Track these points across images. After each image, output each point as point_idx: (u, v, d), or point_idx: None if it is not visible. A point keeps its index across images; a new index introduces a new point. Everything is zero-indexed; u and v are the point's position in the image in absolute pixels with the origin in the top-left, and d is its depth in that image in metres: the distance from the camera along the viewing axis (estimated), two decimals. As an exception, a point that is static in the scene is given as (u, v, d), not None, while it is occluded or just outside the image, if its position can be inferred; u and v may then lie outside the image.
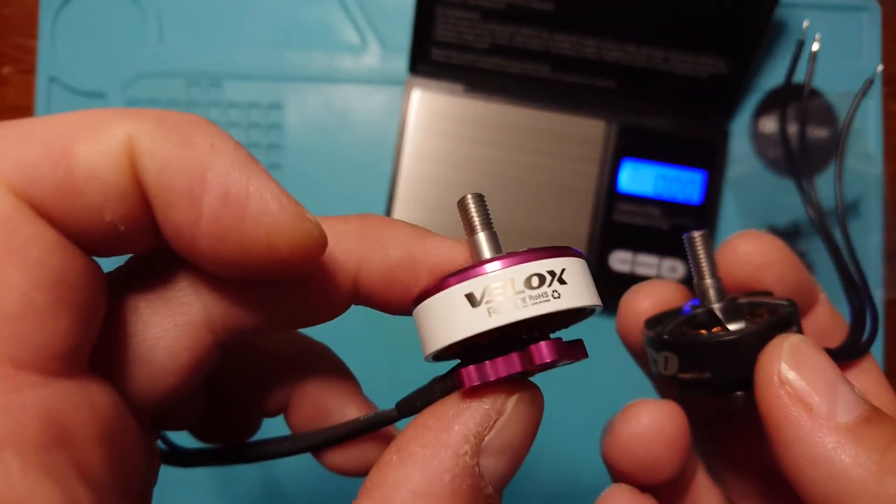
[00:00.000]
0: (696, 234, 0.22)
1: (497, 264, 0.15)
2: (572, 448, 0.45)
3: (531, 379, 0.17)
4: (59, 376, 0.14)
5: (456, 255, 0.17)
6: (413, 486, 0.15)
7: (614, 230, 0.48)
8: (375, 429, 0.20)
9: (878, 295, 0.49)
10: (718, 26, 0.46)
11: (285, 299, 0.18)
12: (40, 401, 0.13)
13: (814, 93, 0.49)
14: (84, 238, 0.15)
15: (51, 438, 0.13)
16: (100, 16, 0.49)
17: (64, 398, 0.14)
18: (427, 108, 0.48)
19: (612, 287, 0.49)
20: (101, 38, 0.49)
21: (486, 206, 0.18)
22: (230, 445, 0.24)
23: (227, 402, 0.23)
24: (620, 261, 0.48)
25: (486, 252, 0.17)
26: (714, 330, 0.21)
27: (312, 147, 0.49)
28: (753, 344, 0.19)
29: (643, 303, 0.23)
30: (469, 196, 0.17)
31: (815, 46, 0.23)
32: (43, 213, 0.14)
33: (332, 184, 0.49)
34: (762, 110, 0.50)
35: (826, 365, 0.18)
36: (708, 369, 0.20)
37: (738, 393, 0.20)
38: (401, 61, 0.49)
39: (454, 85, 0.48)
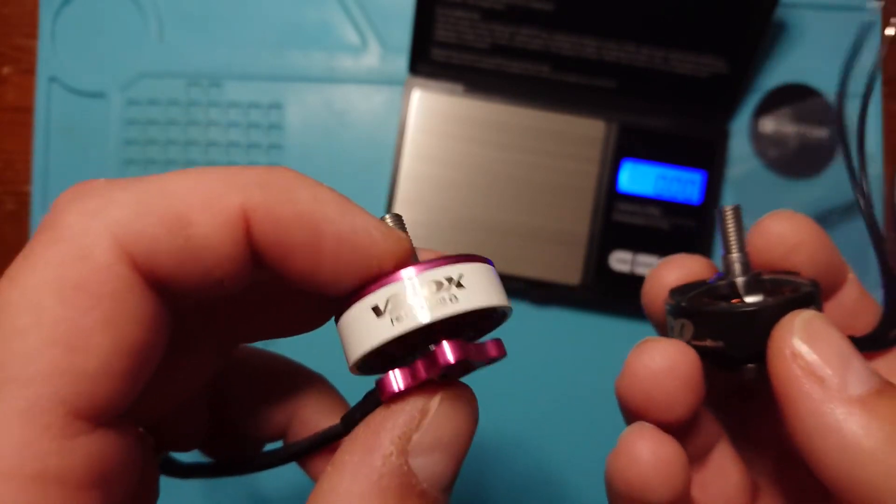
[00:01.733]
0: (728, 208, 0.22)
1: (397, 274, 0.16)
2: (571, 457, 0.45)
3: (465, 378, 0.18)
4: (104, 425, 0.15)
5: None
6: (344, 490, 0.16)
7: (614, 230, 0.48)
8: (326, 444, 0.21)
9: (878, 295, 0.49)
10: (718, 26, 0.46)
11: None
12: (86, 447, 0.15)
13: (813, 92, 0.49)
14: (186, 293, 0.16)
15: (92, 480, 0.15)
16: (100, 16, 0.49)
17: (104, 443, 0.15)
18: (427, 108, 0.48)
19: (612, 287, 0.49)
20: (101, 38, 0.49)
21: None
22: (218, 461, 0.25)
23: (229, 429, 0.24)
24: (620, 261, 0.48)
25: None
26: (733, 301, 0.21)
27: (312, 147, 0.49)
28: (769, 317, 0.19)
29: (670, 275, 0.23)
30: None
31: (891, 31, 0.23)
32: (157, 279, 0.16)
33: (332, 184, 0.48)
34: (762, 110, 0.50)
35: (839, 339, 0.18)
36: (722, 339, 0.20)
37: (750, 365, 0.20)
38: (401, 61, 0.49)
39: (454, 85, 0.48)
